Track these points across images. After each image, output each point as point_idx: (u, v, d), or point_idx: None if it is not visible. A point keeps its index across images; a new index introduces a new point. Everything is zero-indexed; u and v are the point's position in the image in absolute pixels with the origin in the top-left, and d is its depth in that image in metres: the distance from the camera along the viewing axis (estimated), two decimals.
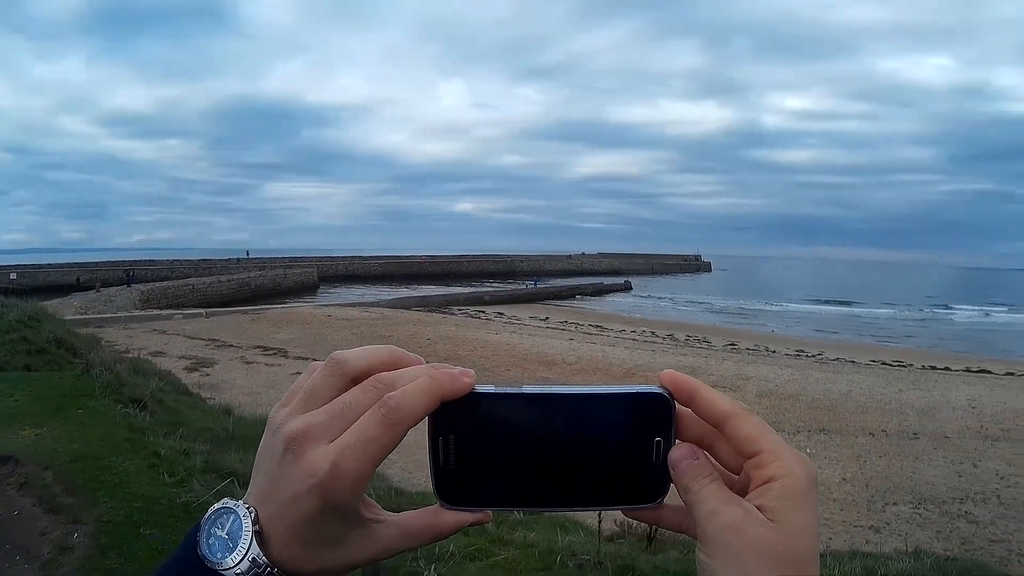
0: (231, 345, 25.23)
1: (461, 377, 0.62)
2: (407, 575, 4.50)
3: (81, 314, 32.96)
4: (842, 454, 14.21)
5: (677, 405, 0.64)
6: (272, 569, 0.59)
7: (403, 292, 66.72)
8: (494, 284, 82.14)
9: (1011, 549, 9.94)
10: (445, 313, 46.81)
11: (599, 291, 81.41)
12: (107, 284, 55.21)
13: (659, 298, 78.41)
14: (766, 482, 0.59)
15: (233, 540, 0.59)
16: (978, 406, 19.46)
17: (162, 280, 62.89)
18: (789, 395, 20.04)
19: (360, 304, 47.25)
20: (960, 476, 13.11)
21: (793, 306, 75.11)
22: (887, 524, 10.70)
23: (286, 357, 23.39)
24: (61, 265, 78.11)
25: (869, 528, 10.49)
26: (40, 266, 76.62)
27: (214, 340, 26.10)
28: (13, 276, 61.36)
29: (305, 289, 70.81)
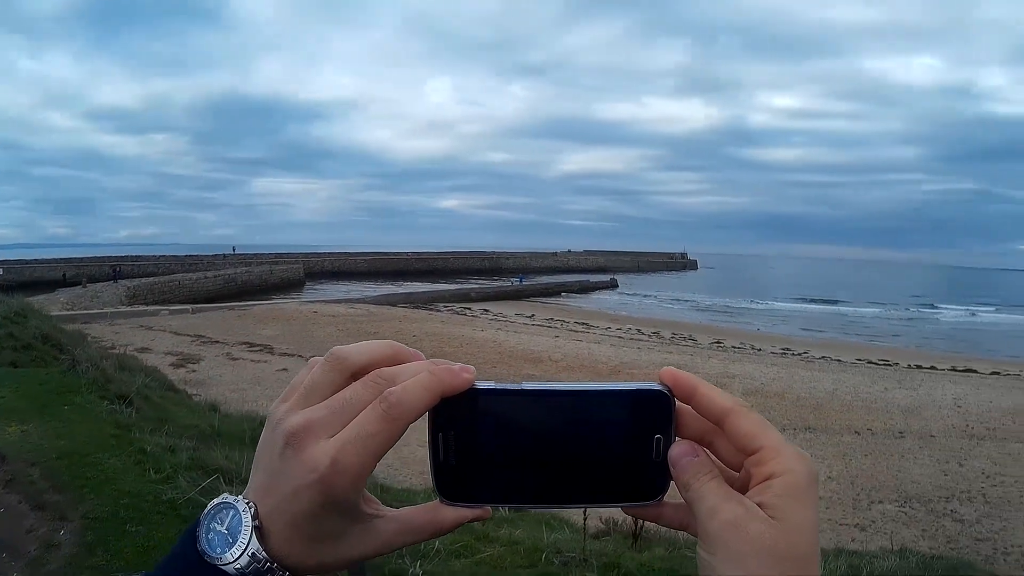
0: (217, 341, 25.09)
1: (461, 373, 0.62)
2: (392, 572, 4.48)
3: (68, 310, 32.79)
4: (828, 452, 14.27)
5: (677, 402, 0.64)
6: (272, 564, 0.58)
7: (389, 288, 66.41)
8: (480, 281, 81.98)
9: (996, 547, 10.01)
10: (431, 310, 46.78)
11: (585, 288, 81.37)
12: (93, 280, 54.95)
13: (645, 296, 78.59)
14: (766, 479, 0.59)
15: (233, 535, 0.58)
16: (964, 405, 19.60)
17: (148, 276, 62.74)
18: (775, 393, 20.13)
19: (346, 301, 47.17)
20: (946, 475, 13.19)
21: (779, 304, 75.40)
22: (873, 522, 10.76)
23: (272, 353, 23.31)
24: (47, 261, 77.60)
25: (855, 526, 10.55)
26: (27, 261, 76.10)
27: (200, 336, 25.96)
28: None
29: (291, 285, 70.61)
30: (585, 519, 5.95)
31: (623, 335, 37.14)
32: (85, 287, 47.60)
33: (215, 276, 63.38)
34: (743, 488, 0.61)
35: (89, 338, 14.98)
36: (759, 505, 0.58)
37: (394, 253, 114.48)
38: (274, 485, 0.59)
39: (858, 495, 11.93)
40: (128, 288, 49.36)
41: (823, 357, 31.58)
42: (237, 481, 5.37)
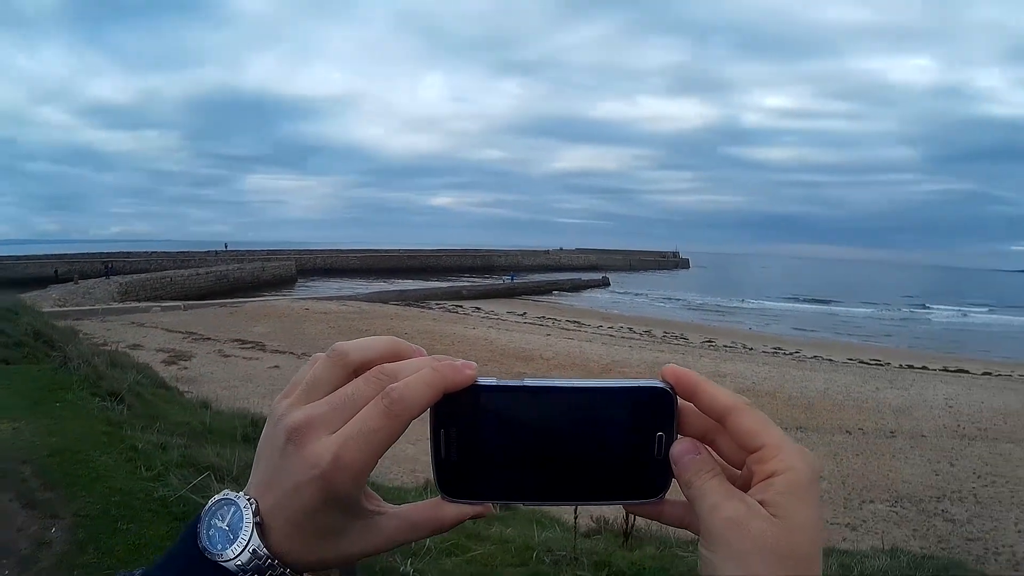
0: (209, 338, 25.02)
1: (464, 369, 0.62)
2: (383, 570, 4.47)
3: (59, 306, 32.66)
4: (819, 452, 14.27)
5: (679, 399, 0.64)
6: (273, 560, 0.58)
7: (381, 286, 66.43)
8: (472, 279, 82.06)
9: (988, 547, 10.05)
10: (423, 307, 46.83)
11: (577, 287, 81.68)
12: (85, 276, 54.89)
13: (637, 294, 78.79)
14: (768, 477, 0.59)
15: (234, 531, 0.58)
16: (955, 405, 19.69)
17: (140, 272, 62.75)
18: (766, 392, 20.14)
19: (338, 298, 47.04)
20: (937, 475, 13.25)
21: (771, 304, 75.70)
22: (864, 522, 10.79)
23: (263, 350, 23.26)
24: (39, 257, 77.47)
25: (846, 526, 10.57)
26: (18, 258, 75.97)
27: (192, 333, 25.88)
28: None
29: (283, 282, 70.67)
30: (576, 517, 5.95)
31: (614, 333, 37.20)
32: (77, 283, 47.48)
33: (207, 273, 63.37)
34: (745, 486, 0.60)
35: (81, 335, 14.96)
36: (761, 503, 0.58)
37: (386, 250, 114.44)
38: (275, 481, 0.59)
39: (849, 494, 11.97)
40: (120, 284, 49.26)
41: (814, 356, 31.71)
42: (228, 478, 5.35)
